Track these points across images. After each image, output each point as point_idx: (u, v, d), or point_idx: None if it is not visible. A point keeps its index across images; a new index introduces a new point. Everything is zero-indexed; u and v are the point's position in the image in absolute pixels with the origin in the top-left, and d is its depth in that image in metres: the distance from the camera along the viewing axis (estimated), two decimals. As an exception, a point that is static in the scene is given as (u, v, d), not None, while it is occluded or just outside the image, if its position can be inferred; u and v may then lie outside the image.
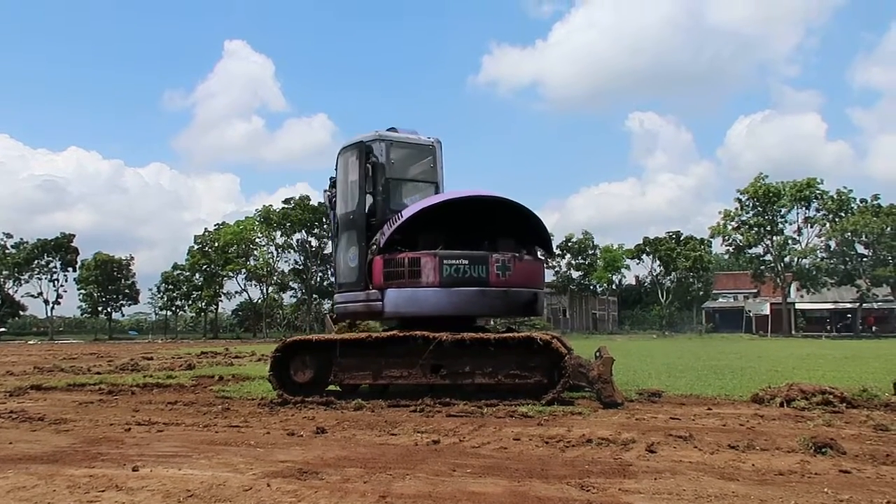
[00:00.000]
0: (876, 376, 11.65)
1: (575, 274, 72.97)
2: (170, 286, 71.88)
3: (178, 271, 71.92)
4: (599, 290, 76.72)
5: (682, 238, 71.21)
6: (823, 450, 5.44)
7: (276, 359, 9.30)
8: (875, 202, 58.95)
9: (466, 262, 9.65)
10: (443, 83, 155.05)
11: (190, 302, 71.92)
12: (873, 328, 58.04)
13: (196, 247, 69.35)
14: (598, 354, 9.35)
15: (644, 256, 72.84)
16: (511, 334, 9.12)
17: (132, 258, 74.29)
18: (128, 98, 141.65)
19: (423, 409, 8.18)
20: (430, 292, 9.31)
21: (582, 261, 72.56)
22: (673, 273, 71.59)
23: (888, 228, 56.55)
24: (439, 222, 9.76)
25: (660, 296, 72.48)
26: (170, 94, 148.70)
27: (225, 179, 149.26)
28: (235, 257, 67.10)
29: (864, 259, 59.62)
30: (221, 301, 73.34)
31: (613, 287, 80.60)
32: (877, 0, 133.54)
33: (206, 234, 69.63)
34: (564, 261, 73.07)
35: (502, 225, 9.69)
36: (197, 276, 70.08)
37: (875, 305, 61.11)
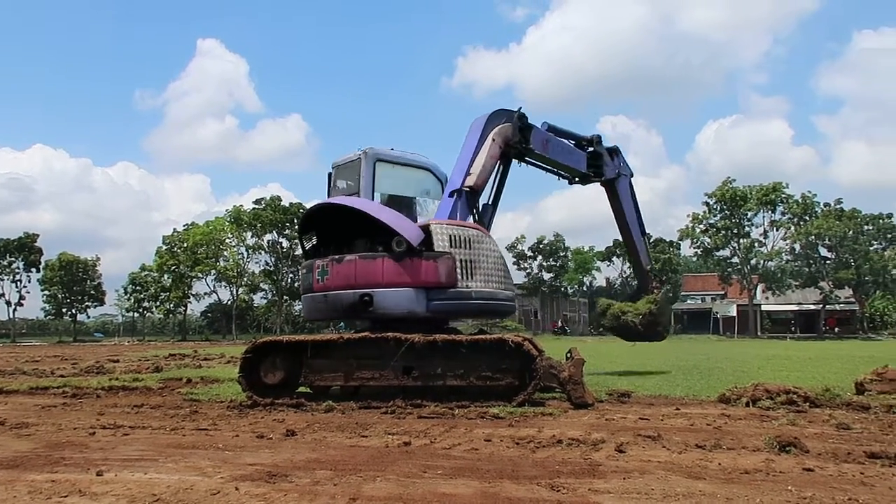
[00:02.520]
0: (838, 376, 11.93)
1: (546, 276, 73.40)
2: (137, 287, 70.60)
3: (146, 272, 70.69)
4: (570, 291, 77.26)
5: (651, 240, 72.05)
6: (788, 448, 5.55)
7: (245, 360, 9.20)
8: (838, 206, 60.42)
9: (305, 270, 10.17)
10: (417, 85, 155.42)
11: (158, 303, 70.68)
12: (835, 329, 59.39)
13: (164, 247, 68.19)
14: (569, 356, 9.42)
15: (614, 258, 73.67)
16: (483, 336, 9.15)
17: (98, 259, 72.96)
18: (96, 96, 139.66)
19: (394, 411, 8.15)
20: (304, 300, 10.31)
21: (553, 263, 73.05)
22: (642, 275, 72.40)
23: (850, 232, 58.03)
24: (322, 231, 10.38)
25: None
26: (140, 92, 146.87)
27: (195, 180, 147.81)
28: (205, 258, 66.12)
29: (828, 262, 61.06)
30: (190, 302, 72.32)
31: (584, 289, 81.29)
32: (840, 11, 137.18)
33: (175, 234, 68.54)
34: (536, 262, 73.51)
35: (360, 228, 9.54)
36: (165, 277, 68.90)
37: (837, 307, 62.53)
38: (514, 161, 11.52)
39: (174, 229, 69.70)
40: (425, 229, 9.28)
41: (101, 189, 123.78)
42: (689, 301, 77.86)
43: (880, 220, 60.23)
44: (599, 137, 13.44)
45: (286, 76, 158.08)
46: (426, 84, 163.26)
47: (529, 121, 11.42)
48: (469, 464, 5.24)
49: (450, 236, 9.24)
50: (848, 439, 6.18)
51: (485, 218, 10.80)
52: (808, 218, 59.69)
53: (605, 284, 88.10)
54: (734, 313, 66.78)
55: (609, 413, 8.02)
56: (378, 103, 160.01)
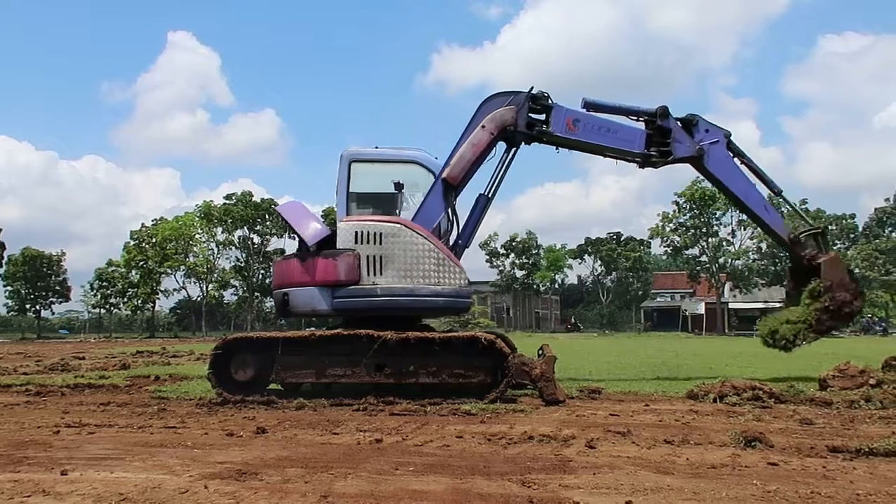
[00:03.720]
0: (802, 373, 12.23)
1: (519, 273, 73.79)
2: (104, 283, 69.24)
3: (113, 268, 69.38)
4: (542, 289, 77.83)
5: (622, 239, 72.96)
6: (753, 443, 5.67)
7: (215, 357, 9.08)
8: (803, 206, 61.62)
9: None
10: (392, 81, 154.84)
11: (125, 300, 69.43)
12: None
13: (132, 243, 67.01)
14: (540, 353, 9.50)
15: (586, 257, 74.39)
16: (455, 334, 9.17)
17: (63, 254, 71.41)
18: (63, 88, 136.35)
19: (366, 408, 8.13)
20: None
21: (525, 260, 73.44)
22: (613, 273, 73.26)
23: (815, 232, 59.33)
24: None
25: (601, 295, 74.05)
26: (109, 85, 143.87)
27: (165, 174, 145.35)
28: (174, 254, 65.12)
29: (793, 261, 62.32)
30: (159, 299, 71.17)
31: (556, 286, 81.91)
32: (806, 15, 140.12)
33: (144, 229, 67.38)
34: (508, 260, 73.84)
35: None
36: (133, 272, 67.69)
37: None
38: (553, 146, 10.84)
39: (143, 224, 68.64)
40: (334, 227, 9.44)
41: (68, 183, 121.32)
42: (658, 299, 78.91)
43: (843, 221, 61.81)
44: (666, 109, 11.10)
45: (260, 71, 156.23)
46: (401, 81, 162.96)
47: (552, 100, 10.62)
48: (440, 460, 5.25)
49: (356, 232, 9.24)
50: (811, 434, 6.33)
51: (476, 208, 10.49)
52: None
53: (576, 282, 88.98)
54: (702, 311, 67.79)
55: (580, 409, 8.10)
56: (353, 99, 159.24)
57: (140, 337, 61.58)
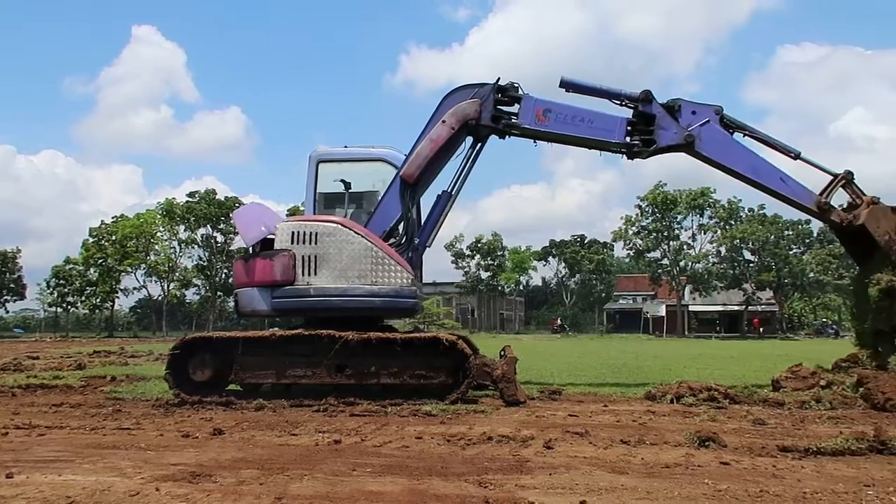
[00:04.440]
0: (756, 374, 12.49)
1: (484, 274, 74.07)
2: (61, 281, 67.32)
3: (71, 265, 67.49)
4: (507, 290, 78.27)
5: (586, 241, 73.80)
6: (707, 443, 5.79)
7: (173, 357, 8.93)
8: (761, 212, 63.17)
9: None
10: (361, 81, 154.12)
11: (83, 298, 67.58)
12: (760, 329, 62.21)
13: (91, 240, 65.32)
14: (502, 354, 9.54)
15: (550, 259, 75.00)
16: (417, 334, 9.16)
17: (19, 251, 69.18)
18: (22, 81, 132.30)
19: (326, 409, 8.07)
20: None
21: (491, 262, 73.76)
22: (577, 275, 74.03)
23: (771, 237, 60.83)
24: None
25: (564, 297, 74.76)
26: (70, 79, 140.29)
27: (126, 170, 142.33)
28: (135, 251, 63.68)
29: (751, 265, 63.80)
30: (118, 298, 69.49)
31: (521, 288, 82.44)
32: (767, 25, 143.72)
33: (104, 226, 65.73)
34: (474, 262, 74.07)
35: None
36: (92, 270, 65.97)
37: (759, 308, 65.45)
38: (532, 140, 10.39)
39: (102, 221, 66.85)
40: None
41: (25, 177, 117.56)
42: (621, 301, 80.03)
43: (799, 226, 63.27)
44: (649, 93, 10.17)
45: (226, 68, 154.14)
46: (370, 81, 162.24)
47: (523, 90, 10.16)
48: (399, 461, 5.24)
49: (293, 232, 9.24)
50: (763, 434, 6.48)
51: (437, 206, 10.20)
52: (733, 222, 62.27)
53: (541, 284, 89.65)
54: (663, 313, 68.96)
55: (540, 410, 8.16)
56: (321, 98, 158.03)
57: (98, 336, 60.05)
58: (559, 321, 71.64)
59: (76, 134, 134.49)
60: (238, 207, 10.08)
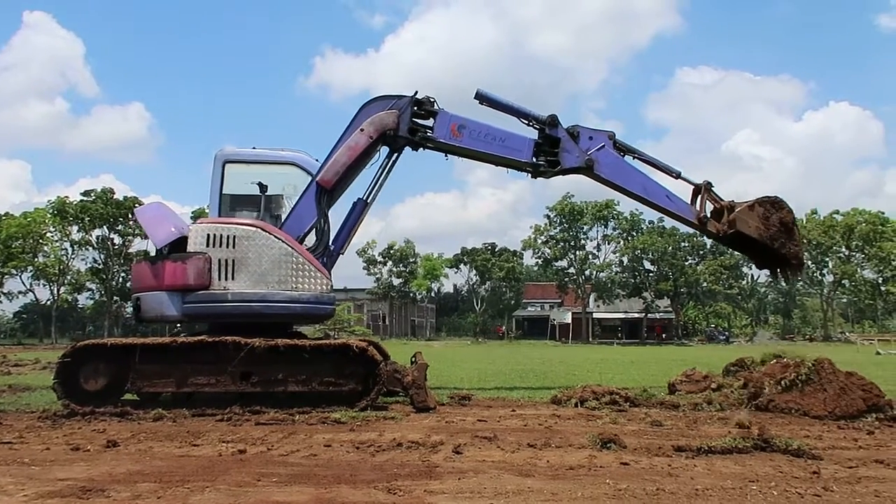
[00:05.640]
0: (654, 378, 13.11)
1: (396, 281, 73.96)
2: (-66, 283, 61.82)
3: (-54, 267, 62.12)
4: (419, 297, 78.44)
5: (497, 249, 75.06)
6: (608, 445, 6.02)
7: (63, 365, 8.37)
8: (660, 224, 66.36)
9: None
10: (273, 83, 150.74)
11: (-40, 302, 62.40)
12: (663, 335, 65.33)
13: (-30, 239, 60.35)
14: (413, 360, 9.56)
15: (462, 266, 75.78)
16: (326, 341, 9.04)
17: None
18: None
19: (230, 418, 7.81)
20: None
21: (403, 269, 73.75)
22: (488, 282, 75.19)
23: (669, 248, 64.09)
24: None
25: (475, 304, 75.76)
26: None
27: (13, 166, 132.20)
28: (20, 252, 59.35)
29: (650, 274, 66.93)
30: (1, 302, 64.56)
31: (432, 294, 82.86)
32: (668, 47, 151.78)
33: (-16, 224, 60.90)
34: (386, 268, 73.85)
35: None
36: (-30, 272, 60.98)
37: (658, 315, 68.72)
38: (439, 152, 10.55)
39: (-17, 219, 61.98)
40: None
41: None
42: (529, 308, 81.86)
43: (694, 238, 66.98)
44: (555, 118, 10.70)
45: (129, 62, 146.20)
46: (282, 82, 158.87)
47: (438, 105, 10.42)
48: (306, 470, 5.13)
49: (209, 235, 8.99)
50: (660, 435, 6.81)
51: (353, 213, 10.21)
52: (634, 234, 65.17)
53: (452, 291, 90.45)
54: (569, 320, 71.15)
55: (450, 416, 8.22)
56: (230, 100, 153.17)
57: (-24, 344, 55.52)
58: (503, 328, 72.96)
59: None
60: (139, 207, 9.61)
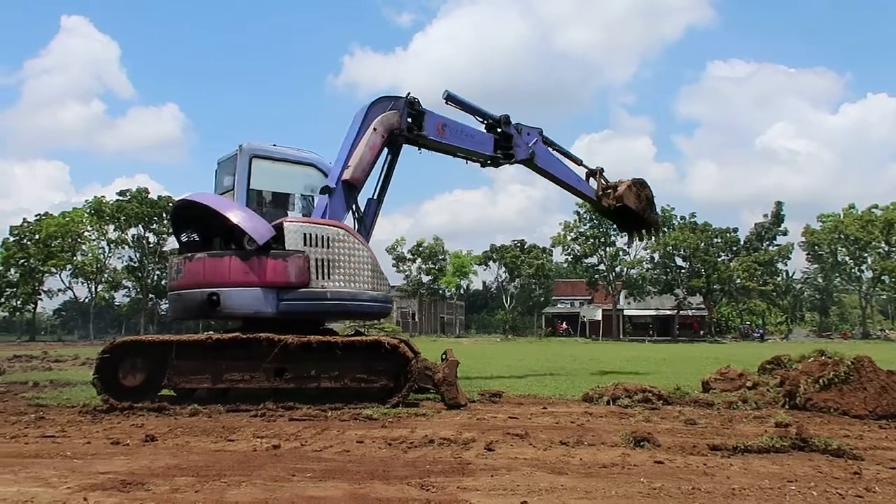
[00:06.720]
0: (687, 376, 12.92)
1: (425, 278, 74.08)
2: (-23, 282, 63.67)
3: (-11, 266, 63.94)
4: (448, 294, 78.48)
5: (526, 246, 74.69)
6: (642, 443, 5.95)
7: (102, 361, 8.57)
8: (692, 220, 65.48)
9: (170, 267, 10.01)
10: (302, 82, 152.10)
11: (2, 300, 64.09)
12: (700, 332, 64.36)
13: (12, 239, 62.01)
14: (443, 357, 9.57)
15: (491, 263, 75.58)
16: (358, 338, 9.09)
17: (-71, 249, 65.04)
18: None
19: (264, 414, 7.91)
20: (168, 298, 10.00)
21: (432, 266, 73.84)
22: (517, 279, 74.89)
23: (702, 244, 63.09)
24: (193, 228, 10.19)
25: (504, 301, 75.52)
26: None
27: (52, 167, 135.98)
28: (60, 251, 60.83)
29: (682, 271, 66.00)
30: (41, 300, 66.25)
31: (461, 292, 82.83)
32: (699, 40, 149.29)
33: (26, 224, 62.53)
34: (415, 265, 74.04)
35: (220, 225, 9.33)
36: (12, 271, 62.66)
37: (690, 312, 67.76)
38: (416, 148, 11.29)
39: (24, 219, 63.56)
40: (279, 227, 9.09)
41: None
42: (559, 305, 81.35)
43: (727, 234, 65.83)
44: (508, 117, 12.47)
45: (163, 64, 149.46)
46: (311, 81, 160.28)
47: (423, 105, 11.10)
48: (339, 466, 5.18)
49: (304, 234, 9.06)
50: (694, 433, 6.71)
51: (368, 212, 10.54)
52: (666, 230, 64.27)
53: (481, 288, 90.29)
54: (599, 317, 70.51)
55: (480, 413, 8.21)
56: (261, 98, 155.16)
57: (19, 340, 57.12)
58: (564, 325, 72.69)
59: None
60: (189, 197, 9.60)
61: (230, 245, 9.20)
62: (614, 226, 15.65)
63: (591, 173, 14.22)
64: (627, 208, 14.08)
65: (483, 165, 12.65)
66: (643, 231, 15.46)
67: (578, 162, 13.87)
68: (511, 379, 13.00)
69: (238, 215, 8.97)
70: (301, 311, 9.17)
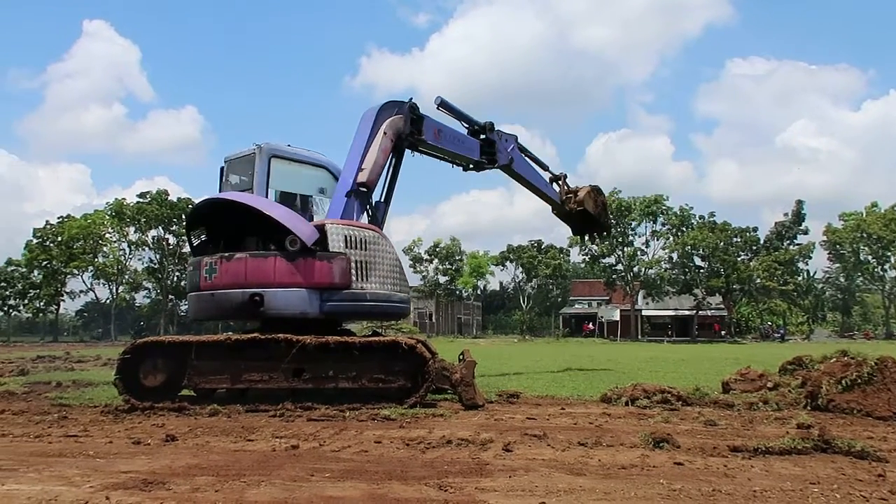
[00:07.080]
0: (707, 377, 12.80)
1: (442, 279, 74.13)
2: (2, 284, 64.70)
3: (13, 267, 64.95)
4: (465, 295, 78.45)
5: (543, 247, 74.44)
6: (661, 444, 5.90)
7: (123, 361, 8.68)
8: (711, 219, 64.78)
9: (192, 267, 9.81)
10: (320, 83, 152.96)
11: (26, 301, 65.10)
12: (721, 332, 63.70)
13: (35, 241, 62.96)
14: (461, 358, 9.57)
15: (508, 263, 75.42)
16: (376, 338, 9.11)
17: (-45, 252, 66.23)
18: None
19: (282, 414, 7.96)
20: (190, 298, 9.92)
21: (449, 266, 73.85)
22: (534, 280, 74.66)
23: (721, 243, 62.44)
24: (212, 227, 10.19)
25: (521, 301, 75.33)
26: (15, 72, 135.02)
27: (74, 170, 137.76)
28: (82, 253, 61.67)
29: (701, 270, 65.37)
30: (63, 301, 67.18)
31: (478, 292, 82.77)
32: (718, 38, 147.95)
33: (49, 227, 63.44)
34: (432, 266, 74.09)
35: (251, 225, 9.32)
36: (35, 272, 63.61)
37: (709, 313, 67.12)
38: (408, 151, 11.32)
39: (47, 222, 64.52)
40: (320, 229, 9.12)
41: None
42: (576, 305, 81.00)
43: (746, 233, 65.09)
44: (492, 124, 12.83)
45: (182, 67, 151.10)
46: (329, 83, 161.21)
47: (421, 111, 11.20)
48: (358, 466, 5.20)
49: (345, 236, 9.15)
50: (714, 435, 6.65)
51: (378, 215, 10.60)
52: (684, 229, 63.68)
53: (498, 288, 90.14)
54: (617, 317, 70.05)
55: (498, 413, 8.19)
56: (278, 100, 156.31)
57: (42, 341, 58.01)
58: (591, 325, 72.61)
59: (20, 130, 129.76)
60: (227, 196, 9.57)
61: (267, 246, 9.21)
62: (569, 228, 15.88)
63: (555, 178, 15.14)
64: (586, 212, 15.02)
65: (465, 169, 12.92)
66: (595, 234, 16.62)
67: (545, 168, 14.76)
68: (529, 379, 12.95)
69: (284, 216, 9.00)
70: (343, 312, 9.36)
